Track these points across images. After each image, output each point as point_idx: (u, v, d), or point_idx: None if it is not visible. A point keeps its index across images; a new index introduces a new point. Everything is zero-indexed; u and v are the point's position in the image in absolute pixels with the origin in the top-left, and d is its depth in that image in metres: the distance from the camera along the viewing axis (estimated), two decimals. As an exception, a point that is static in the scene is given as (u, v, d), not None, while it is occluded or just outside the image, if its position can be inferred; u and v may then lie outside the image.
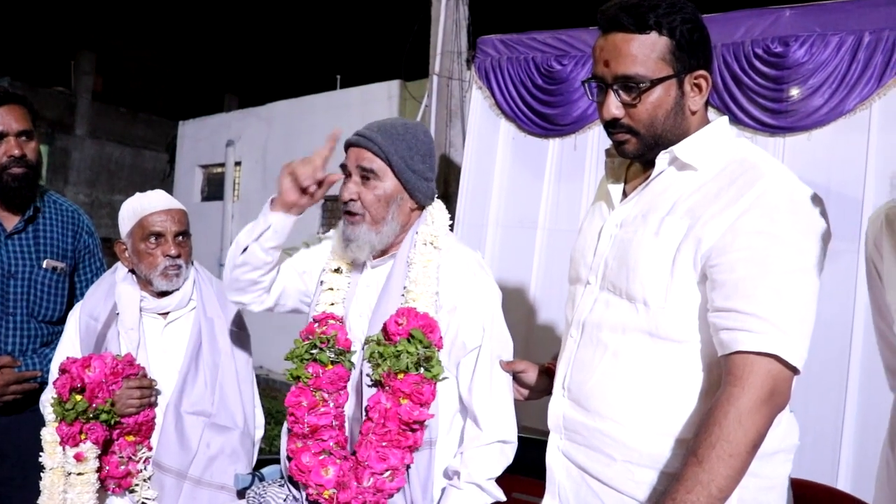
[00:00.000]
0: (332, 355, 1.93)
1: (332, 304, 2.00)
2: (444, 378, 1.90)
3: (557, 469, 1.69)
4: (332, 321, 1.97)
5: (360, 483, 1.81)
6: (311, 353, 1.93)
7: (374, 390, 1.88)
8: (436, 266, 1.94)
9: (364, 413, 1.87)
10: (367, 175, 1.92)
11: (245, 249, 1.95)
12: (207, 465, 2.23)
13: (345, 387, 1.95)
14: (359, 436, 1.87)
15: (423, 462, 1.87)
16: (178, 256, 2.29)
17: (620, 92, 1.56)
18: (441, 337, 1.88)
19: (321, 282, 2.06)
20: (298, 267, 2.11)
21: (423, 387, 1.83)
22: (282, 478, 2.09)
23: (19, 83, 15.50)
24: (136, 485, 2.21)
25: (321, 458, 1.88)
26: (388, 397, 1.83)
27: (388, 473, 1.82)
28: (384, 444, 1.81)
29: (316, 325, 1.97)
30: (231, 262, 2.00)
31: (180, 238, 2.32)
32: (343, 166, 1.97)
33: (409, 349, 1.82)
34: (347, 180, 1.95)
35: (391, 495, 1.84)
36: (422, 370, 1.84)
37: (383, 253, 2.01)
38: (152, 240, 2.28)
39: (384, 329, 1.88)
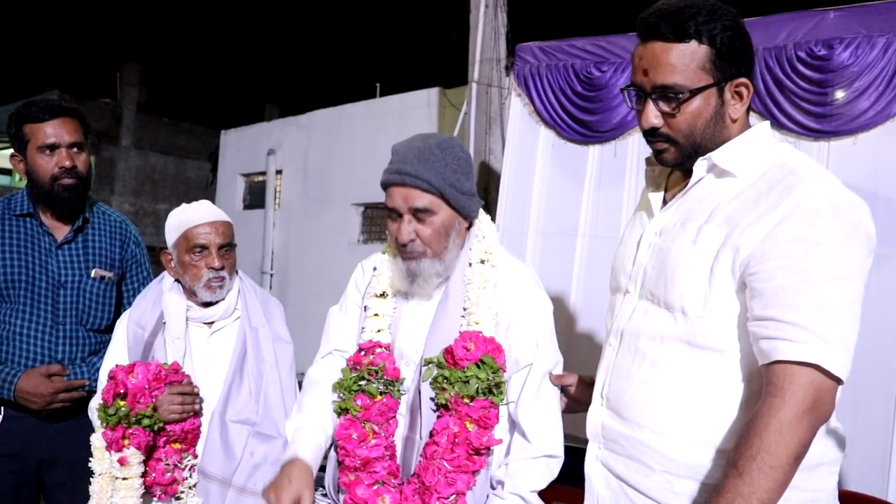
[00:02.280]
0: (381, 386, 1.90)
1: (379, 330, 1.97)
2: (508, 403, 1.89)
3: (596, 478, 1.69)
4: (379, 350, 1.94)
5: None
6: (360, 385, 1.91)
7: (433, 413, 1.86)
8: (494, 285, 1.92)
9: (427, 435, 1.86)
10: (421, 214, 1.86)
11: None
12: (251, 474, 2.25)
13: (394, 416, 1.93)
14: (419, 458, 1.85)
15: (479, 481, 1.87)
16: (222, 268, 2.32)
17: (659, 101, 1.55)
18: (505, 360, 1.86)
19: (365, 307, 2.02)
20: (355, 330, 2.08)
21: (489, 411, 1.82)
22: (322, 487, 2.11)
23: (67, 95, 15.90)
24: (182, 492, 2.24)
25: (375, 488, 1.86)
26: (455, 422, 1.81)
27: (452, 497, 1.80)
28: (451, 468, 1.79)
29: (362, 353, 1.95)
30: None
31: (224, 250, 2.35)
32: (391, 209, 1.89)
33: (480, 375, 1.80)
34: (398, 220, 1.88)
35: None
36: (491, 396, 1.82)
37: None
38: (197, 252, 2.31)
39: (449, 353, 1.85)
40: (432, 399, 1.86)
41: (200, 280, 2.30)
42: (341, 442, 1.90)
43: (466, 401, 1.80)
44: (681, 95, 1.52)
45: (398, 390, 1.92)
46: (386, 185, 1.89)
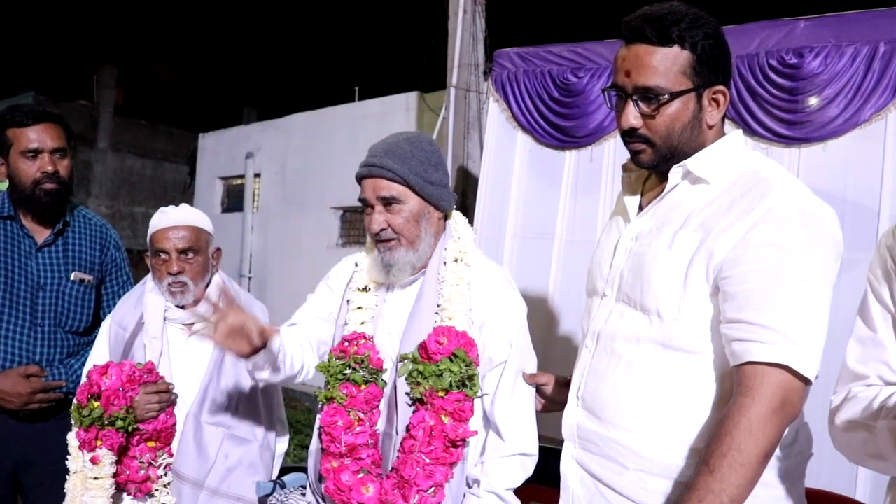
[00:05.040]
0: (366, 374, 1.94)
1: (363, 322, 2.01)
2: (483, 395, 1.93)
3: (571, 477, 1.72)
4: (363, 341, 1.98)
5: (407, 501, 1.82)
6: (345, 374, 1.95)
7: (409, 408, 1.90)
8: (467, 283, 1.96)
9: (404, 430, 1.89)
10: (389, 202, 1.93)
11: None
12: (225, 476, 2.26)
13: (377, 405, 1.96)
14: (397, 453, 1.89)
15: (456, 476, 1.89)
16: (179, 273, 2.33)
17: (640, 102, 1.58)
18: (479, 354, 1.91)
19: (348, 301, 2.07)
20: (323, 313, 2.13)
21: (464, 404, 1.85)
22: (303, 487, 2.12)
23: (43, 97, 15.72)
24: (156, 490, 2.25)
25: (359, 476, 1.88)
26: (431, 415, 1.85)
27: (431, 490, 1.83)
28: (429, 461, 1.83)
29: (347, 344, 1.98)
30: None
31: (187, 255, 2.35)
32: (363, 200, 1.98)
33: (453, 368, 1.84)
34: (371, 212, 1.96)
35: None
36: (464, 389, 1.86)
37: (413, 270, 2.01)
38: (159, 256, 2.35)
39: (423, 347, 1.89)
40: (408, 394, 1.90)
41: (162, 284, 2.34)
42: (326, 428, 1.92)
43: (441, 394, 1.84)
44: (661, 97, 1.56)
45: (382, 380, 1.96)
46: (359, 180, 1.98)
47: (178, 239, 2.34)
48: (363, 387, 1.93)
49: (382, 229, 1.94)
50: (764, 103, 3.54)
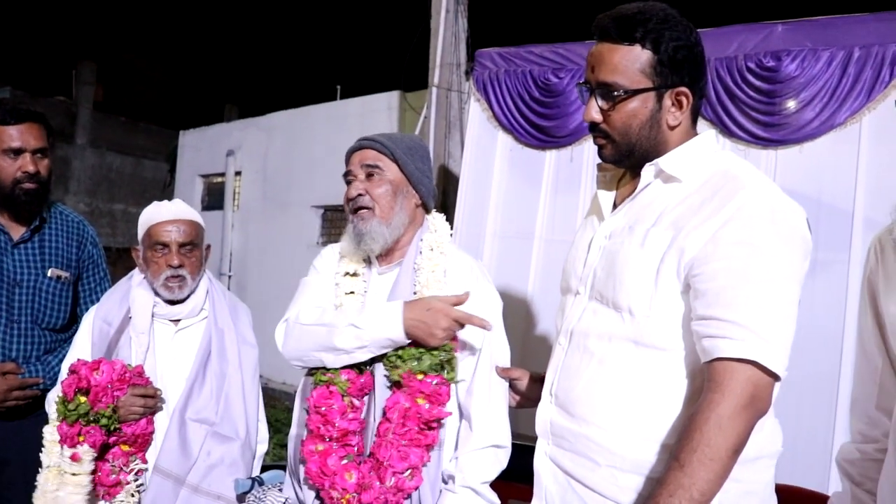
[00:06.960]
0: (364, 364, 1.95)
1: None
2: (460, 381, 1.95)
3: (544, 474, 1.73)
4: None
5: (383, 483, 1.84)
6: None
7: (388, 392, 1.91)
8: (443, 271, 2.00)
9: (381, 414, 1.91)
10: (371, 171, 2.00)
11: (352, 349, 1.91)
12: (206, 474, 2.26)
13: (367, 394, 1.97)
14: (374, 437, 1.90)
15: (433, 462, 1.91)
16: (180, 266, 2.33)
17: (600, 98, 1.63)
18: (456, 339, 1.93)
19: (337, 284, 2.08)
20: (321, 302, 2.11)
21: (441, 388, 1.88)
22: (282, 483, 2.12)
23: (20, 92, 15.56)
24: (123, 499, 2.23)
25: (343, 462, 1.89)
26: (407, 398, 1.87)
27: (408, 472, 1.85)
28: (404, 443, 1.85)
29: None
30: (330, 347, 1.93)
31: (186, 249, 2.36)
32: (346, 173, 2.05)
33: (432, 351, 1.88)
34: (353, 182, 2.02)
35: (409, 495, 1.87)
36: (443, 372, 1.89)
37: (390, 259, 2.05)
38: (158, 249, 2.34)
39: None
40: (386, 376, 1.92)
41: (159, 277, 2.32)
42: (320, 409, 1.92)
43: (419, 377, 1.86)
44: (616, 94, 1.59)
45: (373, 370, 1.97)
46: (348, 156, 2.06)
47: (179, 232, 2.36)
48: (361, 375, 1.95)
49: (360, 194, 1.99)
50: (742, 105, 3.58)
